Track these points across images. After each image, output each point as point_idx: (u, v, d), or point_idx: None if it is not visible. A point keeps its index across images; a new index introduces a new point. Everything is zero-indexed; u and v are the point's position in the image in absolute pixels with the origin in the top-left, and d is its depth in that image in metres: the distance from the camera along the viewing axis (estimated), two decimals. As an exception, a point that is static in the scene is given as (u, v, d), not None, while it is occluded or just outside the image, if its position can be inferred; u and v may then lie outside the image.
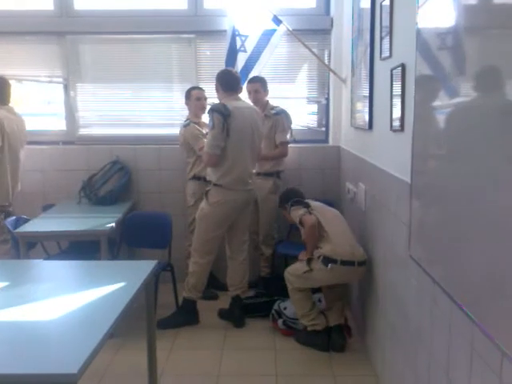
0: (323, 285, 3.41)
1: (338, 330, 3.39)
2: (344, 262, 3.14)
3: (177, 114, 4.57)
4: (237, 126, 3.47)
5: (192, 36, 4.56)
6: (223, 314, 3.83)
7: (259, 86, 4.15)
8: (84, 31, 4.57)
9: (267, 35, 4.22)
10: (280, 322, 3.64)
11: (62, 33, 4.55)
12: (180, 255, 4.22)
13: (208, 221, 3.61)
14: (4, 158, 3.91)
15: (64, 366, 1.66)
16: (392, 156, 2.67)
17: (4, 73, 4.30)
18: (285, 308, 3.67)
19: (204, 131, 4.09)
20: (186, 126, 4.16)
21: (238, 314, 3.77)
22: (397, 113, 2.52)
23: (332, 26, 4.46)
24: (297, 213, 3.40)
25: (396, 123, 2.54)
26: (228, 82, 3.61)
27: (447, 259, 1.79)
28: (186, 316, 3.74)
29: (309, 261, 3.26)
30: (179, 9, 4.61)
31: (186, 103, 4.25)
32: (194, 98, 4.19)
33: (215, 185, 3.57)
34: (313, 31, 4.49)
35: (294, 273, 3.38)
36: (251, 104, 3.91)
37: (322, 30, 4.52)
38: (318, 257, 3.21)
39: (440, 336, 1.94)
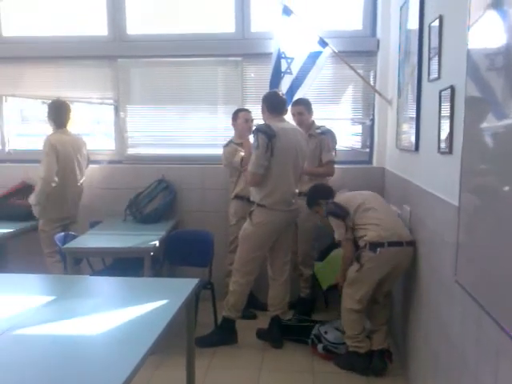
0: (379, 278, 3.22)
1: (380, 355, 3.31)
2: (391, 244, 3.11)
3: (221, 135, 4.65)
4: (281, 146, 3.50)
5: (239, 59, 4.65)
6: (262, 334, 3.81)
7: (303, 109, 4.17)
8: (135, 55, 4.74)
9: (313, 57, 4.24)
10: (320, 346, 3.58)
11: (114, 57, 4.74)
12: (221, 274, 4.24)
13: (250, 241, 3.62)
14: (64, 179, 4.11)
15: (106, 383, 1.68)
16: (439, 178, 2.61)
17: (59, 95, 4.53)
18: (325, 332, 3.61)
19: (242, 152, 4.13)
20: (225, 146, 4.25)
21: (277, 335, 3.74)
22: (445, 135, 2.46)
23: (378, 47, 4.44)
24: (337, 229, 3.37)
25: (444, 145, 2.48)
26: (274, 104, 3.66)
27: (495, 285, 1.72)
28: (224, 335, 3.73)
29: (357, 258, 3.22)
30: (227, 32, 4.71)
31: (233, 124, 4.31)
32: (241, 119, 4.24)
33: (259, 205, 3.59)
34: (358, 53, 4.49)
35: (347, 282, 3.30)
36: (295, 125, 3.92)
37: (367, 51, 4.51)
38: (365, 245, 3.17)
39: (486, 364, 1.86)
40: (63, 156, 4.11)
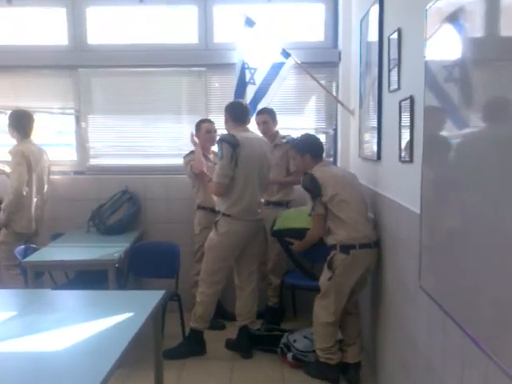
0: (352, 284, 3.17)
1: (355, 367, 3.32)
2: (362, 246, 3.08)
3: (185, 145, 4.60)
4: (245, 155, 3.51)
5: (202, 69, 4.66)
6: (231, 345, 3.79)
7: (268, 118, 4.21)
8: (96, 65, 4.69)
9: (276, 68, 4.29)
10: (289, 355, 3.58)
11: (75, 66, 4.67)
12: (187, 285, 4.20)
13: (216, 251, 3.61)
14: (31, 191, 4.08)
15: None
16: (401, 186, 2.67)
17: (19, 105, 4.44)
18: (294, 341, 3.61)
19: (210, 162, 4.14)
20: (185, 156, 4.24)
21: (246, 345, 3.73)
22: (405, 144, 2.53)
23: (340, 58, 4.52)
24: (308, 202, 3.25)
25: (405, 154, 2.54)
26: (237, 114, 3.67)
27: (459, 290, 1.77)
28: (192, 346, 3.70)
29: (329, 265, 3.15)
30: (190, 43, 4.71)
31: (196, 135, 4.28)
32: (204, 130, 4.23)
33: (224, 214, 3.58)
34: (321, 64, 4.56)
35: (322, 292, 3.23)
36: (260, 135, 3.94)
37: (330, 62, 4.59)
38: (334, 246, 3.12)
39: (452, 370, 1.90)
40: (32, 166, 4.08)
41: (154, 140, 4.78)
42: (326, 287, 3.21)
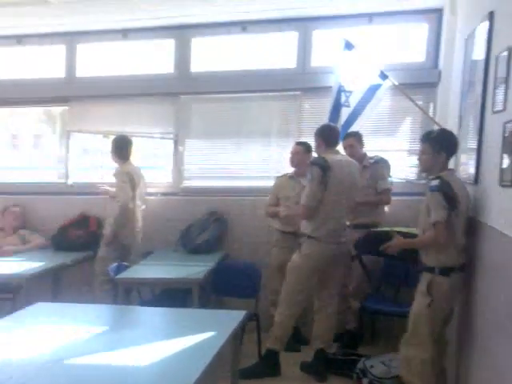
0: (448, 311, 2.88)
1: None
2: (460, 269, 2.81)
3: (273, 167, 4.69)
4: (335, 179, 3.47)
5: (298, 93, 4.66)
6: (305, 367, 3.68)
7: (354, 141, 4.13)
8: (197, 91, 4.87)
9: (372, 90, 4.20)
10: (365, 381, 3.39)
11: (177, 93, 4.89)
12: (267, 303, 4.15)
13: (299, 272, 3.56)
14: (134, 206, 4.34)
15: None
16: (500, 211, 2.43)
17: (123, 130, 4.72)
18: (371, 366, 3.42)
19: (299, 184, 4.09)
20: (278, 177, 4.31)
21: (321, 369, 3.62)
22: (507, 167, 2.29)
23: (439, 78, 4.29)
24: (439, 209, 2.75)
25: (508, 177, 2.30)
26: (330, 137, 3.63)
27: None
28: (268, 367, 3.64)
29: (428, 289, 2.81)
30: (287, 67, 4.75)
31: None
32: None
33: (309, 237, 3.54)
34: (419, 85, 4.36)
35: (416, 321, 2.87)
36: (350, 158, 3.81)
37: (428, 83, 4.38)
38: (431, 268, 2.81)
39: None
40: (135, 185, 4.33)
41: (244, 163, 4.84)
42: (424, 315, 2.84)
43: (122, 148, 4.42)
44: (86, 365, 2.07)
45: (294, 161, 4.20)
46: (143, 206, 4.52)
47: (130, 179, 4.29)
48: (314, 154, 3.85)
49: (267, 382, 3.54)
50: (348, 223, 3.72)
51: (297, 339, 4.07)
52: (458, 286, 2.86)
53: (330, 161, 3.46)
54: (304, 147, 4.20)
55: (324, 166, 3.43)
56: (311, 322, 3.76)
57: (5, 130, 6.01)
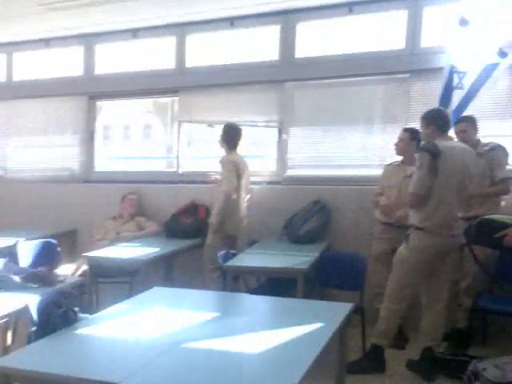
0: None
1: None
2: None
3: (376, 155, 4.56)
4: (446, 166, 3.27)
5: (406, 76, 4.47)
6: (412, 366, 3.54)
7: (467, 126, 3.86)
8: (301, 78, 4.83)
9: (488, 70, 3.94)
10: None
11: (281, 80, 4.88)
12: (374, 299, 4.04)
13: (406, 266, 3.42)
14: (239, 196, 4.43)
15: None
16: None
17: (229, 119, 4.80)
18: (484, 369, 3.17)
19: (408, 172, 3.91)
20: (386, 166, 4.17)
21: (429, 368, 3.45)
22: None
23: None
24: None
25: None
26: (440, 121, 3.43)
27: None
28: (373, 363, 3.55)
29: None
30: (395, 49, 4.56)
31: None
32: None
33: (417, 228, 3.38)
34: None
35: None
36: (464, 144, 3.59)
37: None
38: None
39: None
40: (240, 174, 4.41)
41: (346, 151, 4.74)
42: None
43: (231, 136, 4.51)
44: (202, 349, 2.16)
45: (399, 148, 4.04)
46: (247, 196, 4.58)
47: (235, 169, 4.37)
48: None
49: (374, 378, 3.47)
50: (460, 215, 3.47)
51: (399, 337, 3.91)
52: None
53: (440, 147, 3.27)
54: (410, 134, 4.00)
55: (434, 152, 3.24)
56: (413, 318, 3.61)
57: (118, 122, 6.38)
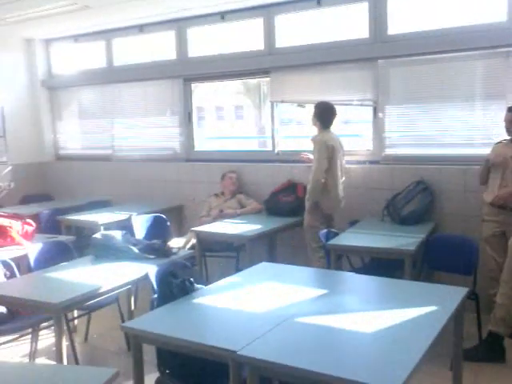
0: None
1: None
2: None
3: (479, 133, 4.40)
4: None
5: (509, 49, 4.25)
6: None
7: None
8: (395, 55, 4.74)
9: None
10: None
11: (374, 58, 4.81)
12: (484, 283, 3.90)
13: None
14: (336, 175, 4.40)
15: (382, 381, 1.74)
16: None
17: (322, 98, 4.77)
18: None
19: None
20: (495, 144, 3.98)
21: None
22: None
23: None
24: None
25: None
26: None
27: None
28: (490, 351, 3.44)
29: None
30: (495, 21, 4.34)
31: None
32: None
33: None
34: None
35: None
36: None
37: None
38: None
39: None
40: (334, 154, 4.37)
41: (446, 129, 4.59)
42: None
43: (325, 114, 4.48)
44: (314, 324, 2.23)
45: (511, 129, 3.84)
46: (343, 178, 4.55)
47: (327, 149, 4.31)
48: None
49: (491, 368, 3.36)
50: None
51: None
52: None
53: None
54: None
55: None
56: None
57: (210, 103, 6.62)
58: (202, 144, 6.21)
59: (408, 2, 4.77)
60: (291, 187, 5.01)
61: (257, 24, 5.46)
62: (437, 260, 3.85)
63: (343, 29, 5.09)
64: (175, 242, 4.47)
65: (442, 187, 4.47)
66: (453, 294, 2.53)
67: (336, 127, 4.63)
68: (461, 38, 4.39)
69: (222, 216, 4.96)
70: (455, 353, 2.62)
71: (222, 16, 5.55)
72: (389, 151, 4.87)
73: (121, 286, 3.10)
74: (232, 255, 4.70)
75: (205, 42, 5.89)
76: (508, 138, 3.90)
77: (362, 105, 5.00)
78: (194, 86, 6.07)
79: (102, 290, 2.95)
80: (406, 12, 4.78)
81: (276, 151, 5.48)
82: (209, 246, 4.65)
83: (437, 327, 2.12)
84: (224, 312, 2.45)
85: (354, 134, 5.31)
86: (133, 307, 3.55)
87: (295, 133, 5.61)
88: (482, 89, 4.42)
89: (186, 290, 2.64)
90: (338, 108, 4.63)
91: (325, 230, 4.10)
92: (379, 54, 4.79)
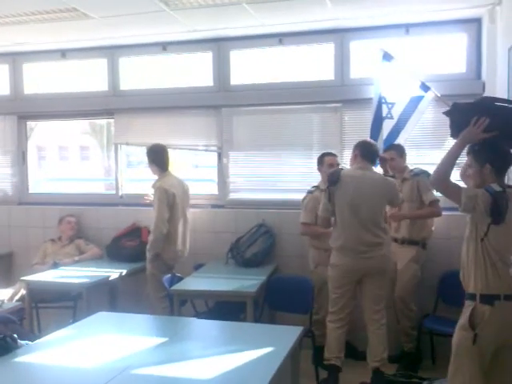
0: (494, 347, 2.47)
1: None
2: (507, 297, 2.43)
3: (316, 180, 4.63)
4: (340, 193, 3.60)
5: (338, 105, 4.69)
6: None
7: (394, 154, 4.13)
8: (237, 104, 4.95)
9: (414, 102, 4.24)
10: None
11: (218, 106, 4.98)
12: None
13: (330, 281, 3.70)
14: (176, 224, 4.31)
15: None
16: None
17: (167, 142, 4.76)
18: None
19: None
20: (310, 192, 4.26)
21: None
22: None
23: (484, 90, 4.28)
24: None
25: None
26: (363, 152, 3.71)
27: None
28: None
29: (470, 322, 2.46)
30: (326, 79, 4.79)
31: (319, 169, 4.27)
32: (326, 164, 4.17)
33: (332, 247, 3.70)
34: (463, 96, 4.21)
35: (458, 354, 2.54)
36: (379, 174, 3.82)
37: (472, 94, 4.28)
38: (472, 296, 2.50)
39: None
40: (176, 201, 4.30)
41: (286, 175, 4.88)
42: (462, 354, 2.51)
43: (159, 157, 4.41)
44: (151, 376, 2.15)
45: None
46: (187, 225, 4.49)
47: (168, 198, 4.22)
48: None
49: None
50: (377, 239, 3.62)
51: (352, 355, 4.02)
52: (506, 318, 2.45)
53: (342, 175, 3.60)
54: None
55: (330, 180, 3.63)
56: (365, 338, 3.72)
57: (53, 143, 6.24)
58: (40, 186, 5.82)
59: (248, 56, 5.09)
60: (135, 231, 4.88)
61: (101, 64, 5.36)
62: (277, 301, 3.99)
63: (190, 76, 5.24)
64: (1, 294, 4.06)
65: (281, 230, 4.69)
66: (289, 334, 2.61)
67: (185, 171, 4.68)
68: (297, 92, 4.76)
69: (58, 264, 4.60)
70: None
71: (63, 54, 5.35)
72: (233, 195, 5.01)
73: None
74: (69, 305, 4.39)
75: (44, 79, 5.63)
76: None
77: (207, 150, 5.10)
78: (33, 124, 5.71)
79: None
80: (246, 65, 5.09)
81: (120, 194, 5.34)
82: (42, 297, 4.29)
83: (274, 367, 2.17)
84: (52, 369, 2.25)
85: (205, 178, 5.37)
86: None
87: (144, 175, 5.48)
88: (317, 139, 4.81)
89: (7, 348, 2.38)
90: (185, 152, 4.63)
91: (169, 275, 4.03)
92: (223, 102, 4.97)
